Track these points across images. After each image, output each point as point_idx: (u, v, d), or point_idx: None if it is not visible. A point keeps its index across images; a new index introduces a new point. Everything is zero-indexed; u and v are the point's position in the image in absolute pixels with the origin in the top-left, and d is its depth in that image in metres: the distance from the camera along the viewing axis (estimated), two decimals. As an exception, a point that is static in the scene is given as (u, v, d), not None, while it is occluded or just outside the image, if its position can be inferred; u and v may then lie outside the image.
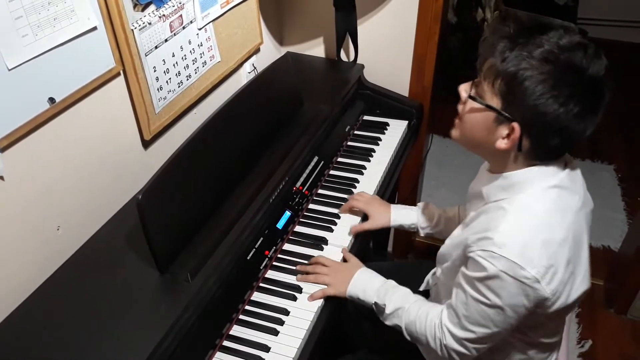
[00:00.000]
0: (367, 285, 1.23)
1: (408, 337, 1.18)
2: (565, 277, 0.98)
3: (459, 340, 1.06)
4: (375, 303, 1.21)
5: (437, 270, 1.24)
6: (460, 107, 1.06)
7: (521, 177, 1.00)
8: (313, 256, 1.33)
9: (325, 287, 1.24)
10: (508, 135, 0.96)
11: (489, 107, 0.97)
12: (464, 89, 1.04)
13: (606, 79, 0.92)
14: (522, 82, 0.90)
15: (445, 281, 1.19)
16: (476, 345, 1.06)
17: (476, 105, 0.99)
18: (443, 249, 1.20)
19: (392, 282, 1.24)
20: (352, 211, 1.47)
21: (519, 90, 0.91)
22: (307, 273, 1.28)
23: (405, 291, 1.22)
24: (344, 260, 1.33)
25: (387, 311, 1.19)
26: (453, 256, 1.11)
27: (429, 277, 1.41)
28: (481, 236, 0.99)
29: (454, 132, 1.09)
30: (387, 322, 1.20)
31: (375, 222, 1.43)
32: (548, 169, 1.00)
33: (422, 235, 1.48)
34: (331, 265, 1.28)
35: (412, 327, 1.15)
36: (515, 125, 0.94)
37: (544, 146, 0.96)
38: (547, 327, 1.09)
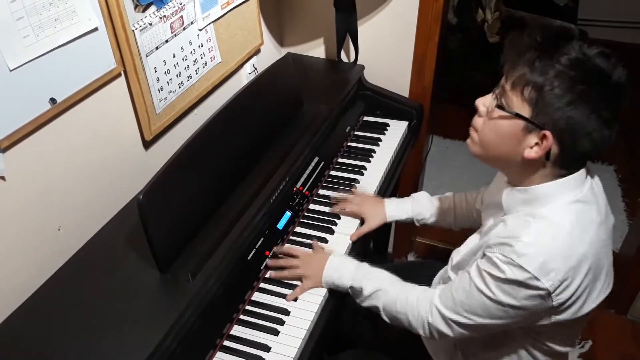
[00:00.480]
0: (342, 269, 1.23)
1: (385, 318, 1.19)
2: (579, 290, 0.98)
3: (447, 320, 1.08)
4: (352, 286, 1.21)
5: (451, 275, 1.23)
6: (478, 121, 1.05)
7: (544, 191, 1.01)
8: (313, 256, 1.33)
9: (301, 282, 1.25)
10: (537, 144, 0.96)
11: (519, 116, 0.96)
12: (482, 103, 1.04)
13: (627, 86, 0.94)
14: (552, 89, 0.91)
15: None
16: (462, 330, 1.07)
17: (504, 114, 0.99)
18: (461, 257, 1.20)
19: (366, 264, 1.25)
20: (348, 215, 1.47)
21: (549, 97, 0.92)
22: (281, 268, 1.28)
23: (382, 272, 1.23)
24: None
25: (365, 293, 1.19)
26: (470, 263, 1.11)
27: (439, 281, 1.40)
28: (503, 241, 0.99)
29: (473, 147, 1.07)
30: (365, 304, 1.21)
31: (371, 223, 1.44)
32: (570, 182, 1.00)
33: (417, 225, 1.50)
34: (302, 257, 1.28)
35: (392, 307, 1.16)
36: (548, 133, 0.94)
37: (573, 152, 0.97)
38: (558, 335, 1.09)
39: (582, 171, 1.02)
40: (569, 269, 0.96)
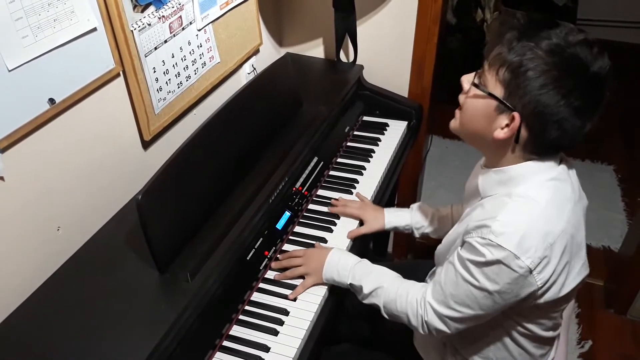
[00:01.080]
0: (340, 265, 1.23)
1: (386, 316, 1.19)
2: (558, 269, 0.99)
3: (440, 317, 1.07)
4: (351, 284, 1.21)
5: (437, 269, 1.24)
6: (461, 98, 1.06)
7: (519, 170, 1.01)
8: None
9: (303, 279, 1.25)
10: (507, 125, 0.97)
11: (491, 96, 0.97)
12: (466, 80, 1.05)
13: (608, 78, 0.93)
14: (526, 71, 0.92)
15: None
16: (457, 325, 1.07)
17: (479, 92, 1.00)
18: (440, 248, 1.21)
19: (366, 261, 1.25)
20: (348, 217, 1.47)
21: (522, 79, 0.92)
22: (284, 269, 1.28)
23: (382, 269, 1.23)
24: None
25: (365, 291, 1.19)
26: (451, 251, 1.12)
27: (428, 277, 1.41)
28: (480, 224, 0.99)
29: (453, 123, 1.10)
30: (365, 302, 1.21)
31: (371, 226, 1.44)
32: (544, 163, 1.01)
33: (417, 235, 1.49)
34: (303, 254, 1.28)
35: (392, 306, 1.16)
36: (516, 114, 0.95)
37: (541, 138, 0.97)
38: (541, 319, 1.10)
39: (555, 157, 1.03)
40: (547, 246, 0.96)
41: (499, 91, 0.96)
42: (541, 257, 0.96)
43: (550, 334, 1.14)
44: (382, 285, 1.18)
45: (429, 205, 1.49)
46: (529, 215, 0.97)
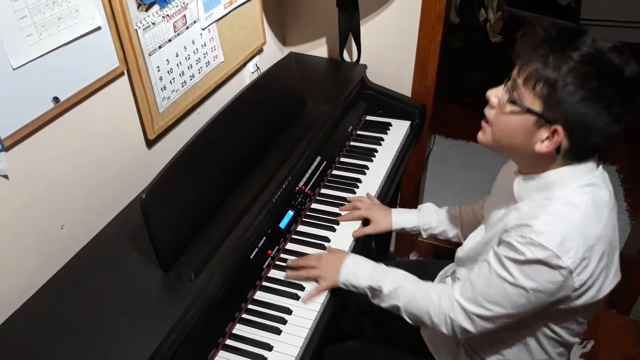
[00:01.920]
0: (358, 269, 1.23)
1: (407, 318, 1.18)
2: (596, 272, 0.99)
3: (468, 314, 1.06)
4: (370, 286, 1.20)
5: (459, 271, 1.23)
6: (490, 112, 1.06)
7: (556, 176, 1.02)
8: (316, 256, 1.33)
9: (317, 283, 1.24)
10: (548, 138, 0.97)
11: (530, 112, 0.97)
12: (494, 94, 1.05)
13: (638, 80, 0.94)
14: (565, 85, 0.92)
15: None
16: (484, 323, 1.06)
17: (516, 109, 0.99)
18: (466, 252, 1.19)
19: (382, 265, 1.24)
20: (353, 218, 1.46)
21: (561, 93, 0.92)
22: (297, 269, 1.27)
23: (399, 271, 1.22)
24: None
25: (385, 292, 1.18)
26: (483, 254, 1.11)
27: (447, 278, 1.38)
28: (520, 223, 1.00)
29: (483, 137, 1.09)
30: (384, 304, 1.20)
31: (377, 226, 1.43)
32: (582, 167, 1.01)
33: (424, 237, 1.48)
34: (319, 258, 1.27)
35: (413, 304, 1.15)
36: (559, 128, 0.95)
37: (583, 146, 0.98)
38: (571, 323, 1.09)
39: (593, 160, 1.03)
40: (587, 248, 0.96)
41: (537, 106, 0.96)
42: (581, 258, 0.96)
43: (575, 339, 1.14)
44: (402, 285, 1.17)
45: (437, 206, 1.48)
46: (570, 217, 0.98)
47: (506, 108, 1.01)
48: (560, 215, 0.98)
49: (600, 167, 1.05)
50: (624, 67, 0.92)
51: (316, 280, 1.24)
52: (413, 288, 1.16)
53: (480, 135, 1.09)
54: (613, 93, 0.92)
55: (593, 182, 1.02)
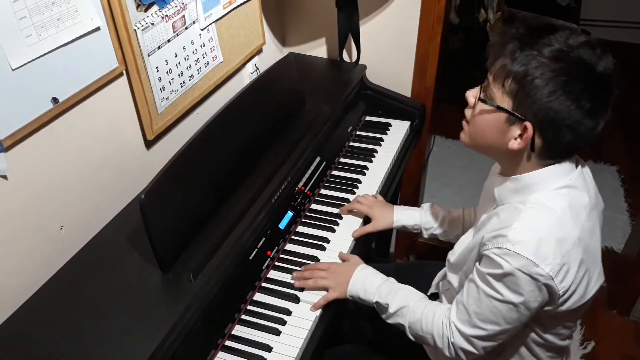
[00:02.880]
0: (367, 283, 1.22)
1: (411, 337, 1.17)
2: (578, 277, 0.99)
3: (467, 337, 1.06)
4: (377, 302, 1.20)
5: (450, 277, 1.23)
6: (468, 112, 1.06)
7: (533, 178, 1.01)
8: (315, 256, 1.33)
9: (326, 292, 1.23)
10: (520, 135, 0.97)
11: (500, 109, 0.97)
12: (472, 94, 1.04)
13: (614, 76, 0.93)
14: (533, 80, 0.91)
15: (461, 289, 1.18)
16: (484, 343, 1.06)
17: (487, 107, 0.99)
18: (456, 256, 1.19)
19: (392, 280, 1.23)
20: (354, 213, 1.46)
21: (530, 88, 0.92)
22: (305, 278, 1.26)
23: (408, 289, 1.21)
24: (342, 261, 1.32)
25: (391, 310, 1.17)
26: (468, 261, 1.11)
27: (438, 281, 1.40)
28: (495, 234, 0.99)
29: (464, 137, 1.09)
30: (390, 321, 1.20)
31: (377, 224, 1.43)
32: (560, 169, 1.01)
33: (425, 236, 1.47)
34: (329, 268, 1.26)
35: (417, 326, 1.14)
36: (528, 124, 0.94)
37: (556, 144, 0.97)
38: (559, 328, 1.09)
39: (571, 159, 1.02)
40: (565, 253, 0.96)
41: (507, 103, 0.96)
42: (560, 264, 0.95)
43: (565, 342, 1.14)
44: (408, 305, 1.16)
45: (440, 207, 1.47)
46: (543, 222, 0.97)
47: (478, 107, 1.02)
48: (535, 221, 0.97)
49: (580, 167, 1.04)
50: (595, 62, 0.91)
51: (325, 289, 1.23)
52: (419, 309, 1.15)
53: (461, 135, 1.10)
54: (581, 89, 0.91)
55: (570, 184, 1.01)
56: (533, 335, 1.10)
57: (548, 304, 1.00)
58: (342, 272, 1.25)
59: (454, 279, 1.21)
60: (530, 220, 0.98)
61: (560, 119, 0.92)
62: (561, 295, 0.98)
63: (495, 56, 0.97)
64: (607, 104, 0.94)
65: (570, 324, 1.11)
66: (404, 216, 1.45)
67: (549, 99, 0.91)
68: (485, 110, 1.00)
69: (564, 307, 1.01)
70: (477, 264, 1.04)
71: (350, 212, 1.46)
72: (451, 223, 1.43)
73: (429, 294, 1.40)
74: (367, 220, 1.45)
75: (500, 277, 0.98)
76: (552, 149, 0.98)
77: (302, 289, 1.24)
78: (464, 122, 1.08)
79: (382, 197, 1.53)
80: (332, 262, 1.30)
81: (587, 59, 0.91)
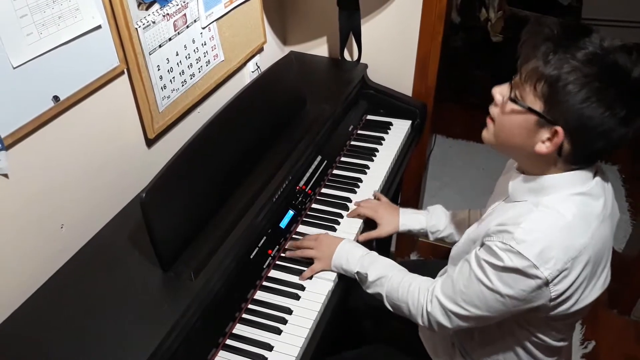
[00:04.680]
0: (350, 254, 1.25)
1: (388, 306, 1.19)
2: (576, 283, 0.97)
3: (445, 310, 1.07)
4: (358, 272, 1.23)
5: (450, 270, 1.23)
6: (494, 110, 1.03)
7: (552, 181, 0.99)
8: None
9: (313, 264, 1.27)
10: (549, 139, 0.94)
11: (531, 111, 0.94)
12: (498, 92, 1.02)
13: None
14: (566, 85, 0.88)
15: None
16: (460, 322, 1.07)
17: (517, 107, 0.97)
18: (458, 247, 1.19)
19: (374, 253, 1.26)
20: (359, 215, 1.46)
21: (562, 94, 0.89)
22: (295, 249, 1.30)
23: (389, 262, 1.23)
24: None
25: (370, 279, 1.20)
26: (469, 252, 1.10)
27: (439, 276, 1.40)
28: (502, 228, 0.98)
29: (487, 135, 1.06)
30: (369, 291, 1.22)
31: (383, 229, 1.43)
32: (580, 175, 0.99)
33: (431, 239, 1.47)
34: (316, 239, 1.30)
35: (394, 294, 1.16)
36: (559, 129, 0.92)
37: (586, 150, 0.95)
38: (554, 329, 1.09)
39: (591, 167, 1.00)
40: (568, 260, 0.94)
41: (538, 105, 0.93)
42: (561, 269, 0.94)
43: (561, 343, 1.13)
44: (387, 275, 1.19)
45: (445, 209, 1.46)
46: (553, 227, 0.96)
47: (507, 106, 0.99)
48: (543, 223, 0.96)
49: (600, 175, 1.02)
50: (631, 68, 0.87)
51: (311, 261, 1.28)
52: (397, 278, 1.17)
53: (484, 133, 1.07)
54: (617, 96, 0.87)
55: (586, 191, 0.98)
56: (528, 334, 1.10)
57: (537, 307, 0.99)
58: (328, 244, 1.29)
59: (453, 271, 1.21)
60: (539, 222, 0.96)
61: (592, 126, 0.89)
62: (553, 299, 0.97)
63: (527, 57, 0.94)
64: None
65: (566, 326, 1.10)
66: (410, 220, 1.44)
67: (582, 106, 0.88)
68: (515, 110, 0.97)
69: (554, 312, 1.00)
70: (477, 248, 1.04)
71: (356, 216, 1.45)
72: (457, 225, 1.43)
73: None
74: (368, 220, 1.45)
75: (497, 268, 0.97)
76: (581, 154, 0.96)
77: (303, 288, 1.24)
78: (488, 120, 1.05)
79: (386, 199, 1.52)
80: (320, 234, 1.34)
81: (622, 64, 0.87)
